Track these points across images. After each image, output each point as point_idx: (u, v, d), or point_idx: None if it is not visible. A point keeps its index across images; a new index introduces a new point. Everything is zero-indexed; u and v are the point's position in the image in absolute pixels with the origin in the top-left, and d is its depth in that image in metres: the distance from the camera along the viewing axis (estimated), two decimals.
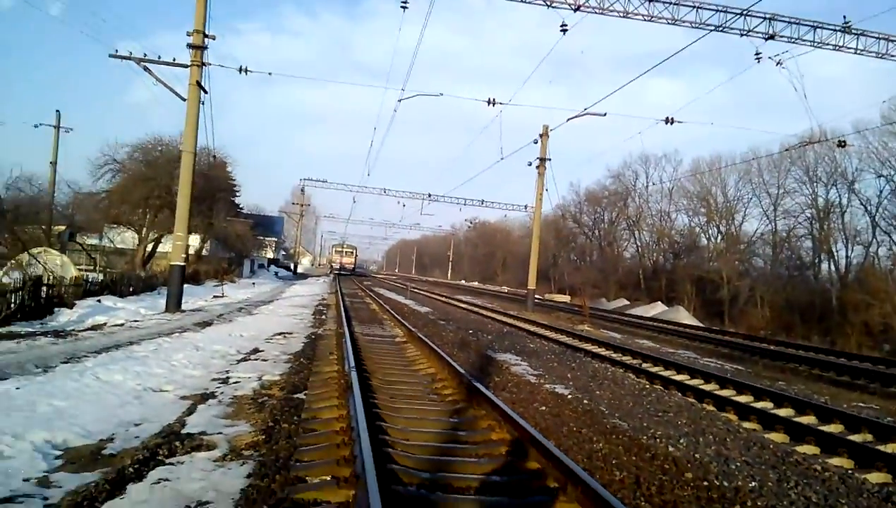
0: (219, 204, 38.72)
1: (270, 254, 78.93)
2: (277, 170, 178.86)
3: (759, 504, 5.26)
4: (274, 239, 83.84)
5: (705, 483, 5.71)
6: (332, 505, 4.62)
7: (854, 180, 41.88)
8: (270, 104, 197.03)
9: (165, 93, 18.57)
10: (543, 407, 8.61)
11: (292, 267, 77.95)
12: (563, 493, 5.10)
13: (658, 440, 7.20)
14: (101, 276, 23.52)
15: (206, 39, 18.02)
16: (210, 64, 18.38)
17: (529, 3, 18.66)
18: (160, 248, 35.96)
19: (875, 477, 6.87)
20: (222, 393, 8.58)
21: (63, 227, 36.57)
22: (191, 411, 7.52)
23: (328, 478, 5.16)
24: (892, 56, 20.02)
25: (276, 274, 61.71)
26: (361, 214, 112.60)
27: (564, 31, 18.83)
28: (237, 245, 43.28)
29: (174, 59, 18.43)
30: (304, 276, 68.03)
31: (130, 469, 5.27)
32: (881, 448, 7.97)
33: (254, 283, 38.17)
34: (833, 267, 43.46)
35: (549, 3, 18.61)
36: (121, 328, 14.27)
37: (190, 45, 17.92)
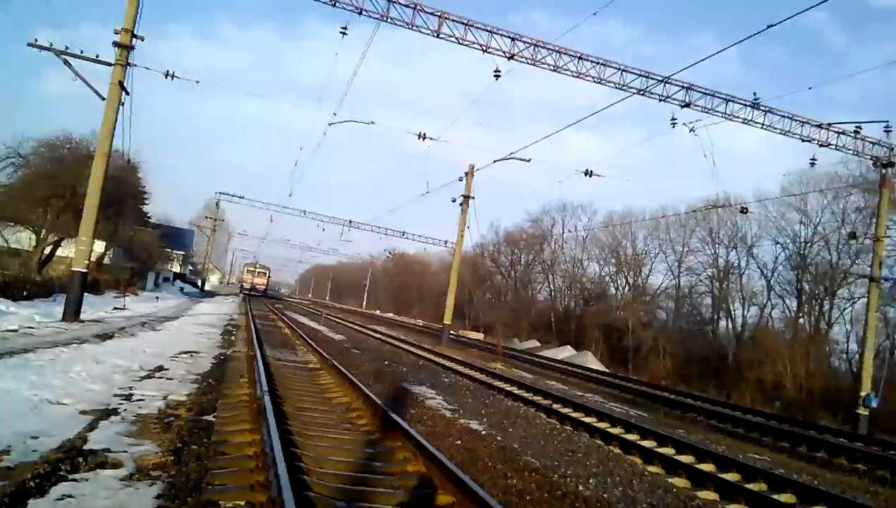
0: (126, 210, 36.96)
1: (177, 268, 75.73)
2: (191, 180, 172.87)
3: None
4: (182, 252, 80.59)
5: None
6: None
7: (753, 245, 44.79)
8: (190, 111, 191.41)
9: (83, 89, 17.72)
10: (458, 441, 8.65)
11: (200, 283, 75.11)
12: None
13: (568, 479, 7.37)
14: None
15: (133, 39, 17.44)
16: (135, 65, 17.78)
17: (467, 45, 19.16)
18: (59, 252, 33.90)
19: None
20: (125, 409, 8.15)
21: None
22: (92, 426, 7.10)
23: (242, 503, 5.00)
24: (795, 134, 21.71)
25: (182, 289, 59.25)
26: (278, 234, 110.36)
27: (497, 76, 19.46)
28: (142, 255, 41.32)
29: (97, 56, 17.62)
30: (211, 294, 65.57)
31: (31, 484, 4.93)
32: (775, 496, 8.44)
33: (157, 297, 36.45)
34: (730, 325, 46.03)
35: (485, 49, 19.17)
36: (14, 334, 13.31)
37: (116, 44, 17.25)
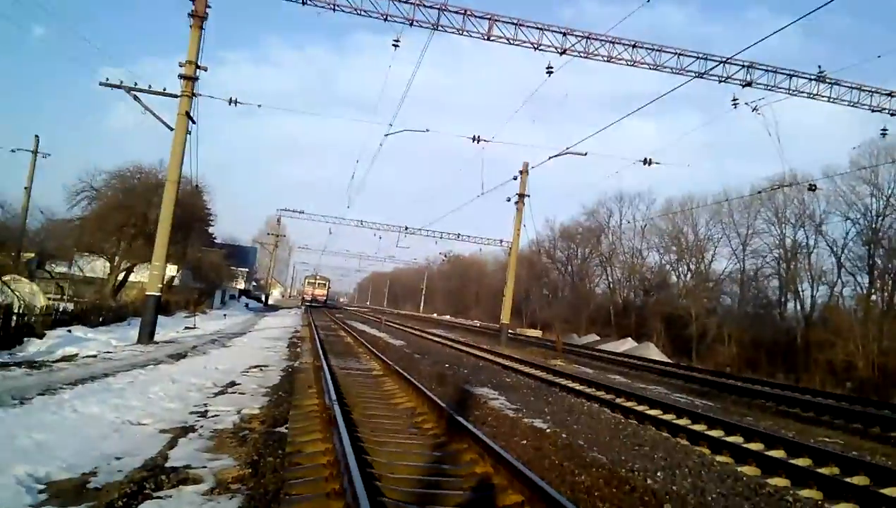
0: (193, 233, 38.43)
1: (241, 285, 78.15)
2: (252, 199, 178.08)
3: None
4: (246, 269, 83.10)
5: None
6: None
7: (821, 222, 43.30)
8: (249, 133, 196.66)
9: (150, 120, 18.67)
10: (524, 441, 8.75)
11: (263, 298, 77.21)
12: None
13: (636, 473, 7.38)
14: (70, 306, 23.13)
15: (197, 70, 18.21)
16: (200, 94, 18.57)
17: (518, 45, 19.23)
18: (132, 277, 35.51)
19: (843, 507, 7.14)
20: (202, 426, 8.55)
21: (32, 254, 35.93)
22: (172, 444, 7.49)
23: None
24: (864, 105, 21.00)
25: (247, 305, 61.08)
26: (337, 246, 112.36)
27: (550, 72, 19.41)
28: (210, 275, 42.86)
29: (164, 89, 18.55)
30: (275, 308, 67.35)
31: (119, 503, 5.27)
32: (848, 480, 8.26)
33: (225, 315, 37.71)
34: (798, 306, 44.60)
35: (536, 46, 19.19)
36: (94, 359, 14.08)
37: (182, 76, 18.06)
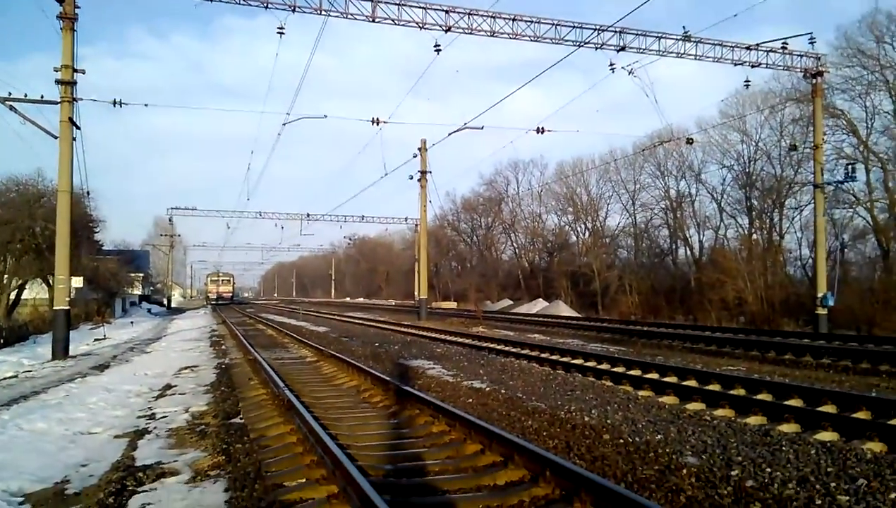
0: (82, 241, 36.43)
1: (139, 291, 74.63)
2: (139, 202, 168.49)
3: (667, 450, 6.32)
4: (141, 274, 79.34)
5: (621, 441, 6.73)
6: (319, 500, 5.14)
7: (700, 171, 46.39)
8: (124, 131, 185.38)
9: (9, 129, 17.71)
10: (470, 400, 9.43)
11: (165, 301, 74.26)
12: (510, 462, 5.90)
13: (574, 413, 8.20)
14: None
15: (75, 74, 17.40)
16: (81, 99, 17.76)
17: (403, 25, 19.58)
18: (24, 295, 33.46)
19: (754, 420, 8.26)
20: (155, 427, 8.65)
21: None
22: (133, 447, 7.61)
23: (303, 480, 5.66)
24: (727, 59, 22.81)
25: (150, 310, 58.71)
26: (237, 240, 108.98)
27: (438, 50, 19.93)
28: (109, 283, 40.91)
29: (42, 96, 17.57)
30: (180, 310, 65.03)
31: (110, 500, 5.48)
32: (756, 397, 9.47)
33: (132, 322, 36.29)
34: (689, 252, 47.89)
35: (421, 25, 19.62)
36: (17, 379, 13.57)
37: (59, 81, 17.15)
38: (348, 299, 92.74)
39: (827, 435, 7.46)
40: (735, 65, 23.11)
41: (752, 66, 23.33)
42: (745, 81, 24.18)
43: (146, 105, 20.30)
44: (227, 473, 6.16)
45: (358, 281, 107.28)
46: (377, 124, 25.02)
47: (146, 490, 5.80)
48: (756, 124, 40.25)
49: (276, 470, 6.04)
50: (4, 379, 13.99)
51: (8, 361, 16.98)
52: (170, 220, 65.58)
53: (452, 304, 59.74)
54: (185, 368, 14.86)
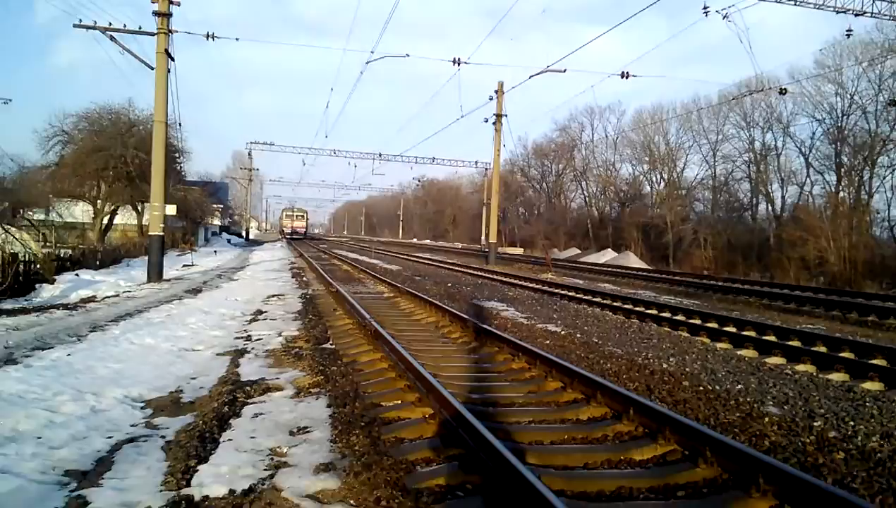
0: (170, 172, 38.16)
1: (218, 222, 77.78)
2: (217, 133, 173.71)
3: (748, 399, 6.45)
4: (221, 205, 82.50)
5: (701, 388, 6.89)
6: (416, 419, 5.56)
7: (789, 124, 44.26)
8: (203, 65, 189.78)
9: (107, 59, 18.65)
10: (547, 341, 9.71)
11: (245, 233, 77.20)
12: (592, 400, 6.17)
13: (651, 360, 8.37)
14: (70, 251, 23.43)
15: (171, 6, 18.00)
16: (177, 31, 18.40)
17: None
18: (116, 220, 35.55)
19: (836, 377, 8.24)
20: (253, 348, 9.31)
21: (7, 204, 35.47)
22: (235, 364, 8.25)
23: (398, 402, 6.10)
24: (828, 6, 21.46)
25: (230, 240, 61.26)
26: (313, 177, 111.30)
27: None
28: (195, 213, 42.90)
29: (140, 28, 18.34)
30: (258, 242, 67.59)
31: (225, 409, 6.06)
32: (839, 354, 9.38)
33: (215, 251, 38.06)
34: (770, 208, 46.17)
35: None
36: (118, 299, 14.66)
37: (156, 13, 17.81)
38: (415, 240, 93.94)
39: None
40: (837, 12, 21.69)
41: (857, 14, 21.83)
42: (847, 30, 22.74)
43: (237, 39, 20.88)
44: (327, 392, 6.67)
45: (425, 223, 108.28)
46: (457, 64, 24.92)
47: (256, 402, 6.37)
48: (853, 76, 37.93)
49: (373, 391, 6.51)
50: (107, 297, 15.13)
51: (107, 282, 18.25)
52: (249, 154, 67.74)
53: (519, 250, 59.80)
54: (272, 296, 15.69)
